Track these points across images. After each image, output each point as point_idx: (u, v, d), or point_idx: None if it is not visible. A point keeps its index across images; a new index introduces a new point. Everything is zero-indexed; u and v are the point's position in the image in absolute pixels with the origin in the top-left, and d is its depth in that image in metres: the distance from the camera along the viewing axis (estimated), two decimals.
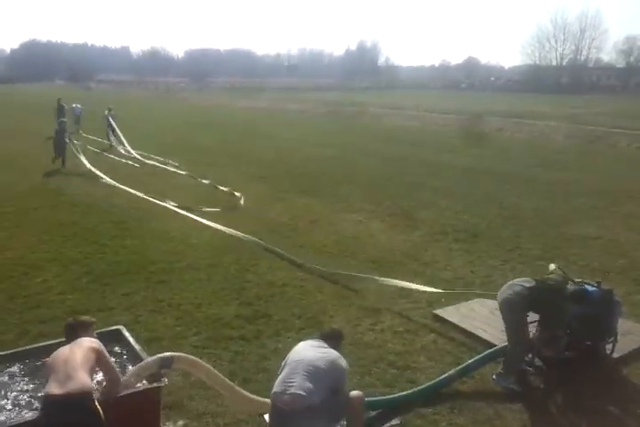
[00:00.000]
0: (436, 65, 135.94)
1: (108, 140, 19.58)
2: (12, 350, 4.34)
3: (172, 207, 10.34)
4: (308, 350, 3.65)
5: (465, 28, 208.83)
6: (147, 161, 16.06)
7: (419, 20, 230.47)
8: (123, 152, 17.68)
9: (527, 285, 4.66)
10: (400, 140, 22.51)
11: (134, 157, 16.61)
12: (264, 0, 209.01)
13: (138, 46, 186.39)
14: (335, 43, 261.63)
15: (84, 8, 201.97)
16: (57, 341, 4.09)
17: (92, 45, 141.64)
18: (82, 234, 8.76)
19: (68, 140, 15.27)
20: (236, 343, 5.32)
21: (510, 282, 4.87)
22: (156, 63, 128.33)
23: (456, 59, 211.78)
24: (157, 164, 15.58)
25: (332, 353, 3.64)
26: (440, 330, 5.65)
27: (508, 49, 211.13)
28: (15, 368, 4.15)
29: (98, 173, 13.48)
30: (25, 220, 9.60)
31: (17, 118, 28.50)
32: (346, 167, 15.56)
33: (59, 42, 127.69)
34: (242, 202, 11.12)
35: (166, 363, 3.80)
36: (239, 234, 8.57)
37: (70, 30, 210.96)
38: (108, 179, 12.87)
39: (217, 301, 6.32)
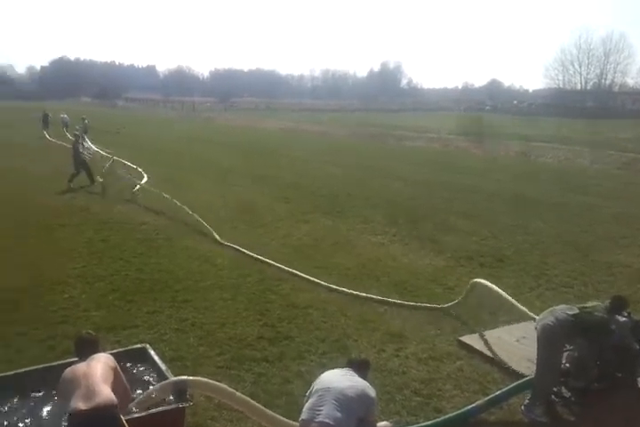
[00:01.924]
0: (459, 87, 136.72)
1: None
2: (34, 367, 4.41)
3: None
4: (337, 379, 3.62)
5: (488, 50, 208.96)
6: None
7: (442, 41, 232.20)
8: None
9: (570, 312, 4.56)
10: (423, 162, 22.48)
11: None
12: (288, 21, 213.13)
13: (164, 65, 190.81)
14: (359, 64, 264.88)
15: (113, 27, 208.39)
16: (69, 360, 4.12)
17: (119, 64, 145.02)
18: (108, 251, 8.88)
19: (83, 152, 15.27)
20: (259, 365, 5.30)
21: (551, 308, 4.78)
22: (181, 82, 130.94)
23: (479, 81, 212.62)
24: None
25: (361, 382, 3.61)
26: (466, 358, 5.57)
27: (531, 72, 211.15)
28: (35, 385, 4.19)
29: None
30: (53, 236, 9.77)
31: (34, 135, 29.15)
32: (369, 189, 15.57)
33: (87, 60, 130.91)
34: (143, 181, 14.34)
35: (181, 387, 3.80)
36: (263, 258, 8.62)
37: (99, 49, 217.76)
38: None
39: (240, 321, 6.32)
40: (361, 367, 3.82)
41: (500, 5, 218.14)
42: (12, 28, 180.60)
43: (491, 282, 7.76)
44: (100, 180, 14.48)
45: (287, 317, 6.46)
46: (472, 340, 5.87)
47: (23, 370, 4.32)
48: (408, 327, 6.26)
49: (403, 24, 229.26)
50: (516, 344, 5.70)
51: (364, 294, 7.11)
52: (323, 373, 3.83)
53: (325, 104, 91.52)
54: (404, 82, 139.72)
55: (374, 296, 7.06)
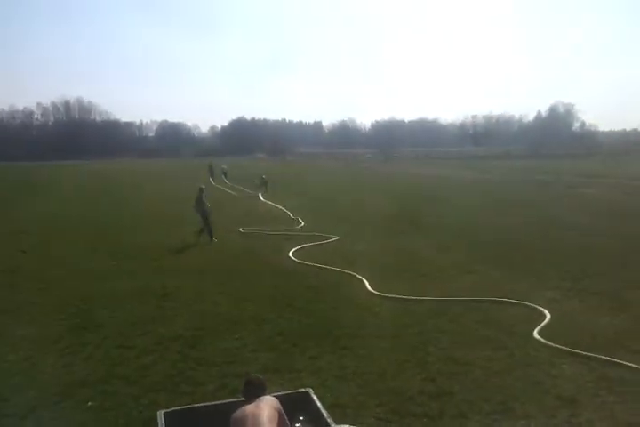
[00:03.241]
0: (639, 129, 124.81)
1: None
2: (206, 404, 4.82)
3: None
4: None
5: None
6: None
7: (618, 80, 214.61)
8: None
9: None
10: (600, 210, 20.67)
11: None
12: (450, 68, 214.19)
13: (329, 120, 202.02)
14: (525, 108, 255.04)
15: (283, 88, 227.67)
16: (240, 399, 4.41)
17: (289, 121, 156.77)
18: (278, 296, 9.43)
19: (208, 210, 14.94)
20: (419, 421, 5.16)
21: None
22: (344, 136, 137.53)
23: None
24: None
25: None
26: None
27: None
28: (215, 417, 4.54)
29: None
30: (233, 280, 10.64)
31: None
32: (539, 239, 14.67)
33: (261, 119, 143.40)
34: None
35: None
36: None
37: (271, 108, 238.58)
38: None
39: (399, 373, 6.24)
40: None
41: None
42: (195, 95, 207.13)
43: None
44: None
45: (448, 371, 6.24)
46: None
47: (212, 403, 4.79)
48: (583, 392, 5.68)
49: (573, 63, 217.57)
50: None
51: None
52: None
53: (488, 151, 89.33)
54: (575, 125, 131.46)
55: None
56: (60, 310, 8.87)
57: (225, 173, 41.08)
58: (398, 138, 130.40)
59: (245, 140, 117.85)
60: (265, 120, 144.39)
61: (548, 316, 7.98)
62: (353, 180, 40.90)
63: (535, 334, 7.31)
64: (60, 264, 12.34)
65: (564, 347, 6.80)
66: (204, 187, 15.56)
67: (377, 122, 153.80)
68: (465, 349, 6.92)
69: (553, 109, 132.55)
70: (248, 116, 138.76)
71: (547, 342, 6.99)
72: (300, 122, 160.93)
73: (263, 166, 53.70)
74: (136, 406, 5.56)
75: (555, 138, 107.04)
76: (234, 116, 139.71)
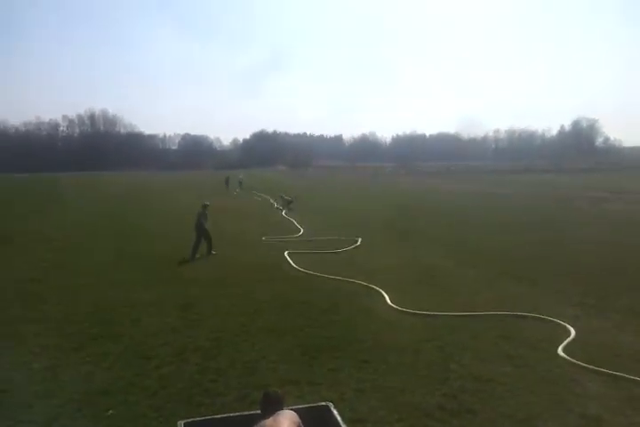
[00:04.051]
0: None
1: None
2: (224, 415, 4.80)
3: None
4: None
5: None
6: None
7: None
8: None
9: None
10: (627, 226, 20.30)
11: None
12: (470, 84, 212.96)
13: (349, 133, 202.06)
14: (547, 123, 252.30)
15: (305, 103, 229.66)
16: (256, 412, 4.40)
17: (310, 135, 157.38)
18: (296, 307, 9.41)
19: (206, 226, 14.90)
20: None
21: None
22: (365, 149, 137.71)
23: None
24: None
25: None
26: None
27: None
28: None
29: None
30: (249, 291, 10.65)
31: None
32: (564, 255, 14.44)
33: (283, 132, 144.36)
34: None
35: None
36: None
37: (292, 122, 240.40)
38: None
39: (419, 388, 6.17)
40: None
41: None
42: (218, 109, 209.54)
43: None
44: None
45: (469, 388, 6.14)
46: None
47: (231, 415, 4.77)
48: (608, 411, 5.56)
49: (598, 77, 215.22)
50: None
51: None
52: None
53: (511, 166, 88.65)
54: (599, 140, 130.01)
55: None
56: (83, 319, 8.96)
57: (240, 183, 43.20)
58: (419, 151, 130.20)
59: (267, 152, 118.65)
60: (286, 133, 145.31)
61: (573, 332, 7.86)
62: (371, 193, 40.83)
63: (560, 351, 7.19)
64: (84, 274, 12.49)
65: (590, 366, 6.66)
66: (208, 203, 15.56)
67: (398, 136, 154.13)
68: (487, 365, 6.82)
69: (576, 124, 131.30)
70: (269, 129, 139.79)
71: (572, 359, 6.87)
72: (321, 135, 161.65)
73: (285, 181, 53.96)
74: (156, 416, 5.57)
75: (578, 153, 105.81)
76: (255, 129, 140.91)
